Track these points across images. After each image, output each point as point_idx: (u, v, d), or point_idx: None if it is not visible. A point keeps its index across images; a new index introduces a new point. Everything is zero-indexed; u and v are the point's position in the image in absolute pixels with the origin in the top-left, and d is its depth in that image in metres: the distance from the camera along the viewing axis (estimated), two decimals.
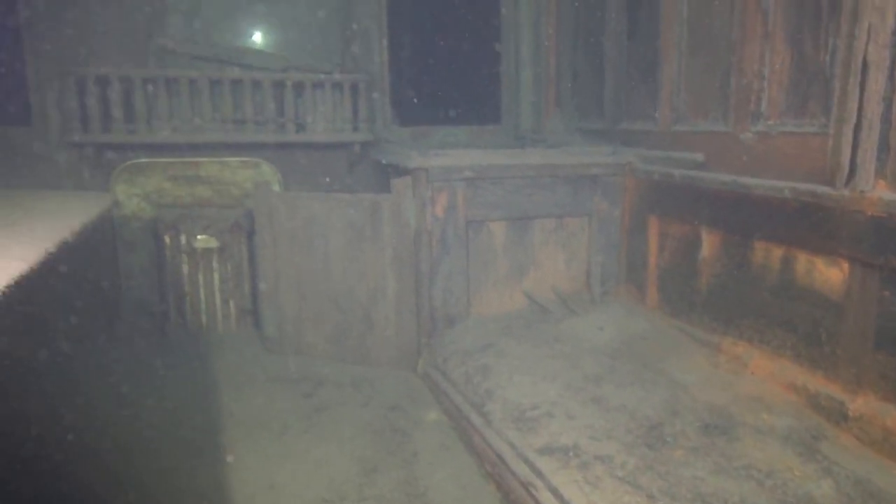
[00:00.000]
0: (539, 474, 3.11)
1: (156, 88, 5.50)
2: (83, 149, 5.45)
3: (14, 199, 4.03)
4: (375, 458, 3.76)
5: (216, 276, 5.72)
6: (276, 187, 5.88)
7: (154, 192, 5.75)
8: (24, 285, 2.09)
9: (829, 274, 3.38)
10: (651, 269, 4.86)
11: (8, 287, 1.95)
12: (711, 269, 4.24)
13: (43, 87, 5.50)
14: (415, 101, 6.63)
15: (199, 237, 5.58)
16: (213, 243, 5.65)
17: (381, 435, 4.03)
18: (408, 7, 6.60)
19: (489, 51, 6.78)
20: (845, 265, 3.28)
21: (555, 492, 2.95)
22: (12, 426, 2.67)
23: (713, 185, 4.05)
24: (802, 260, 3.55)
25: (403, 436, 4.03)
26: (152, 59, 5.78)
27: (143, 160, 5.65)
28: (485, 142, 6.50)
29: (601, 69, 5.59)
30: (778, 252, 3.71)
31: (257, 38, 6.28)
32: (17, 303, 1.98)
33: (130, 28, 5.72)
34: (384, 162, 5.52)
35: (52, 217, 3.26)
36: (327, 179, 6.09)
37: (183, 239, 5.60)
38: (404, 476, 3.60)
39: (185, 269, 5.63)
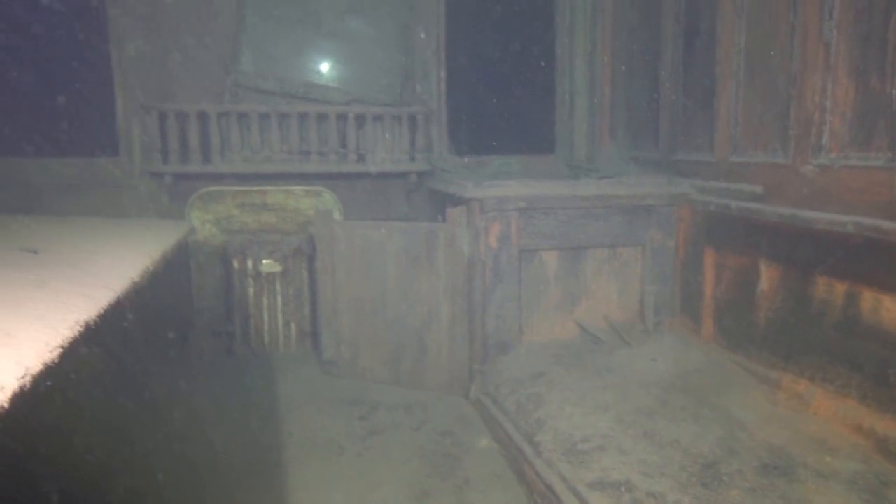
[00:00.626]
0: None
1: (229, 122, 5.73)
2: (163, 178, 5.72)
3: (99, 228, 4.25)
4: (427, 483, 3.74)
5: (279, 299, 5.86)
6: (337, 215, 6.00)
7: (224, 218, 5.97)
8: (112, 313, 2.19)
9: None
10: (707, 301, 4.69)
11: (98, 316, 2.04)
12: (770, 303, 4.06)
13: (129, 121, 5.82)
14: (471, 131, 6.67)
15: (264, 262, 5.75)
16: (277, 268, 5.81)
17: (433, 460, 4.01)
18: (465, 41, 6.68)
19: (544, 82, 6.78)
20: None
21: None
22: (114, 446, 2.78)
23: (772, 217, 3.89)
24: (868, 297, 3.35)
25: (455, 462, 4.00)
26: (227, 94, 6.03)
27: (216, 188, 5.88)
28: (539, 171, 6.46)
29: (656, 99, 5.49)
30: (841, 288, 3.52)
31: (323, 72, 6.47)
32: (106, 330, 2.08)
33: (209, 65, 6.00)
34: (440, 191, 5.56)
35: (135, 245, 3.43)
36: (384, 210, 6.18)
37: (249, 263, 5.78)
38: (455, 503, 3.56)
39: (251, 291, 5.80)
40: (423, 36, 6.30)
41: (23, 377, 1.42)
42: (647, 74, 5.68)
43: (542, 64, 6.77)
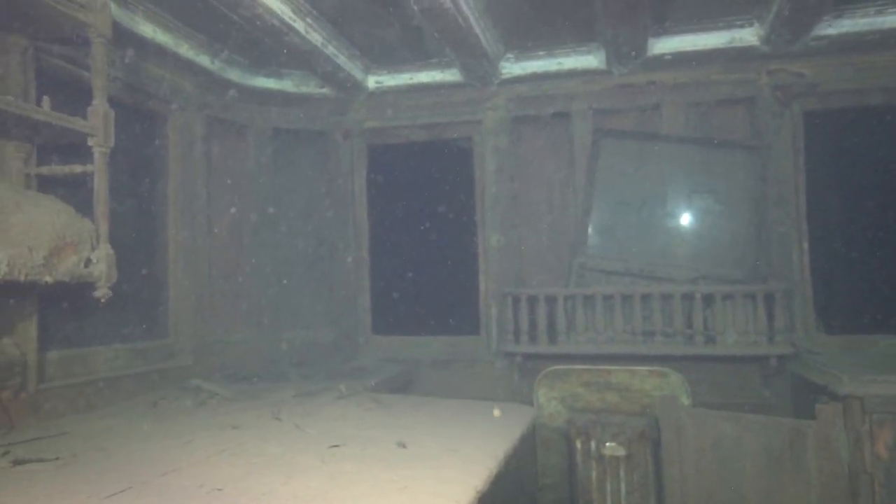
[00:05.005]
0: None
1: (574, 304, 6.39)
2: (514, 357, 6.56)
3: (457, 414, 5.04)
4: None
5: (622, 485, 5.92)
6: (685, 398, 5.96)
7: (569, 396, 6.45)
8: None
9: None
10: None
11: None
12: None
13: (488, 304, 6.95)
14: (844, 305, 6.12)
15: (607, 444, 5.95)
16: (621, 451, 5.94)
17: None
18: (831, 204, 6.37)
19: None
20: None
21: None
22: None
23: None
24: None
25: None
26: (573, 275, 6.77)
27: (562, 367, 6.46)
28: None
29: None
30: None
31: (667, 249, 6.79)
32: None
33: (556, 249, 6.92)
34: (806, 379, 5.16)
35: (483, 441, 4.03)
36: (738, 396, 5.93)
37: (592, 444, 6.04)
38: None
39: (594, 475, 6.00)
40: (779, 207, 6.20)
41: None
42: None
43: None
